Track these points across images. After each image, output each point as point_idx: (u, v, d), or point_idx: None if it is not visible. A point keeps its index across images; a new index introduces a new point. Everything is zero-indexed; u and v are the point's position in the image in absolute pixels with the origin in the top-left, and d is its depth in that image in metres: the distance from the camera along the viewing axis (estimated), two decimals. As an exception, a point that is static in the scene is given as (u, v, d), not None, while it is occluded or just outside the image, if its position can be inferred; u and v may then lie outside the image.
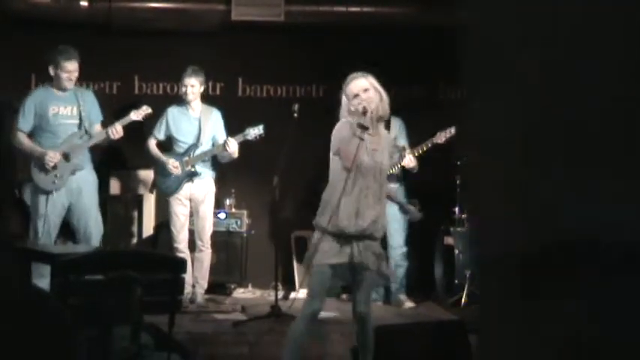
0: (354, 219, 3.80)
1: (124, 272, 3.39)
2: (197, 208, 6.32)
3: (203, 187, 6.33)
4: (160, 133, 6.37)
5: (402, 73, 6.97)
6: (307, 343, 4.03)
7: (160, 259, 4.32)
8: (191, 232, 6.39)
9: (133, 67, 7.32)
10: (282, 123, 5.93)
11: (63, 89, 5.83)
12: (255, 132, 6.13)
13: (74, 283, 3.28)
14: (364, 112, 3.77)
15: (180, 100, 6.38)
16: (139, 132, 6.38)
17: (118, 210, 7.08)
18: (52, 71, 5.80)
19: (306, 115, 5.96)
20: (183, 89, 6.30)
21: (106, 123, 6.03)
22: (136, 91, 7.39)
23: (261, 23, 6.90)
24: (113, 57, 7.10)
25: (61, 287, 3.21)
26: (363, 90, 3.86)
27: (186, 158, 6.28)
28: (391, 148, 4.07)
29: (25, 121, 5.76)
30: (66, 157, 5.77)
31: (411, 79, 7.13)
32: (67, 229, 5.97)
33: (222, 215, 6.65)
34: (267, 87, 7.50)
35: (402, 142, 6.41)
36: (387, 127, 6.48)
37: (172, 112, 6.37)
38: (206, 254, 6.37)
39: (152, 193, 6.95)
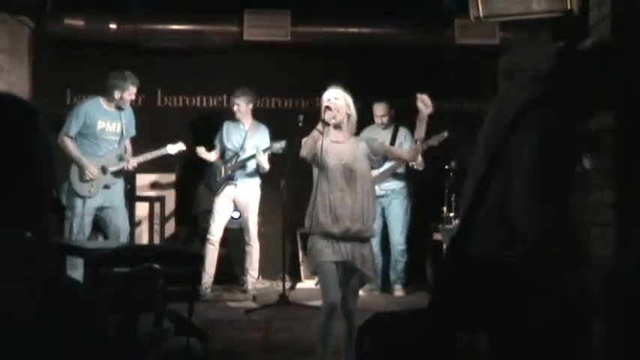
0: (333, 220, 3.79)
1: (148, 265, 3.40)
2: (242, 210, 6.46)
3: (247, 192, 6.43)
4: (218, 144, 6.58)
5: (397, 87, 6.98)
6: (334, 333, 3.93)
7: (181, 254, 4.34)
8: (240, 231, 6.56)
9: (156, 82, 7.34)
10: (289, 131, 5.94)
11: (120, 107, 5.87)
12: (278, 146, 6.18)
13: (104, 275, 3.30)
14: (327, 108, 3.85)
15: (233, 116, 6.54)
16: (160, 138, 6.42)
17: (143, 209, 7.10)
18: (117, 95, 5.82)
19: (310, 125, 5.94)
20: (234, 107, 6.49)
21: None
22: (159, 104, 7.42)
23: (270, 43, 6.92)
24: (139, 73, 7.08)
25: (93, 279, 3.23)
26: (335, 97, 3.91)
27: (229, 165, 6.39)
28: (371, 155, 3.99)
29: (74, 127, 5.75)
30: (104, 170, 5.80)
31: (406, 92, 7.12)
32: (98, 226, 5.98)
33: (236, 215, 6.67)
34: (275, 99, 7.53)
35: (406, 147, 6.45)
36: (395, 135, 6.57)
37: (228, 125, 6.56)
38: (254, 248, 6.46)
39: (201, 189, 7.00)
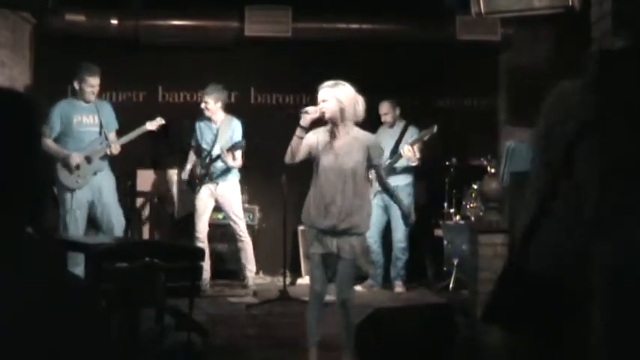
0: (323, 215, 3.82)
1: (149, 261, 3.40)
2: (225, 206, 6.37)
3: (227, 189, 6.36)
4: (194, 143, 6.49)
5: (398, 83, 6.98)
6: (326, 325, 3.96)
7: (181, 250, 4.34)
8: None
9: (157, 78, 7.34)
10: (290, 128, 5.93)
11: (86, 101, 5.86)
12: (240, 143, 6.15)
13: (106, 271, 3.30)
14: (304, 112, 3.91)
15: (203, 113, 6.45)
16: (164, 136, 6.42)
17: (144, 205, 7.10)
18: (77, 85, 5.83)
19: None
20: (202, 105, 6.38)
21: (132, 128, 6.07)
22: (160, 100, 7.41)
23: (271, 38, 6.91)
24: (140, 69, 7.12)
25: (94, 274, 3.23)
26: (322, 100, 3.93)
27: (205, 162, 6.34)
28: (371, 150, 3.99)
29: (52, 129, 5.77)
30: (88, 159, 5.81)
31: (407, 90, 7.12)
32: (95, 223, 5.98)
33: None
34: (277, 95, 7.52)
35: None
36: (403, 133, 6.56)
37: (199, 124, 6.46)
38: (246, 243, 6.37)
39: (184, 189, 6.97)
